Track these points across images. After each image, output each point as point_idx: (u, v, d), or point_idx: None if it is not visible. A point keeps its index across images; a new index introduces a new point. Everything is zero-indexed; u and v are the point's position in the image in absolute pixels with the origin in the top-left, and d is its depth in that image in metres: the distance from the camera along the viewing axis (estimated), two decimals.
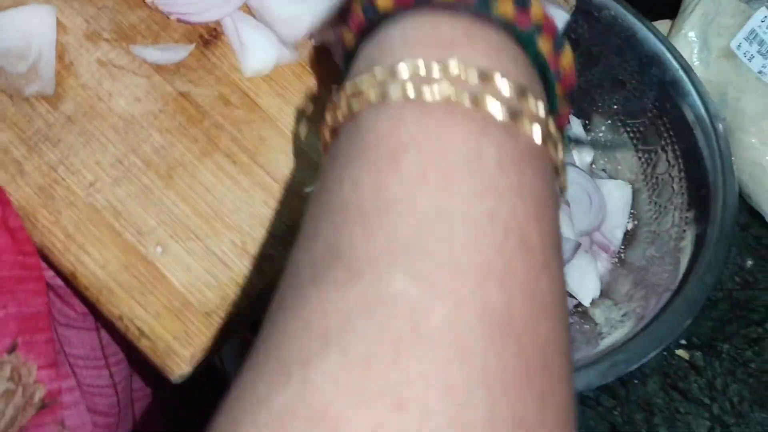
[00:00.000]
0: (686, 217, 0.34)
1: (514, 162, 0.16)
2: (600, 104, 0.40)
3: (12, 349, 0.27)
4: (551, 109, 0.19)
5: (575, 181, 0.37)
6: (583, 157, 0.39)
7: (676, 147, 0.36)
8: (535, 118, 0.17)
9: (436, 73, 0.17)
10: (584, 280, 0.38)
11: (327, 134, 0.19)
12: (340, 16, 0.27)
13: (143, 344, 0.21)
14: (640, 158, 0.38)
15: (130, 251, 0.21)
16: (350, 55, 0.20)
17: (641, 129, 0.39)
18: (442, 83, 0.16)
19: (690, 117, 0.36)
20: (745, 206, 0.45)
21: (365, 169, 0.16)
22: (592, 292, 0.38)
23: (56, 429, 0.28)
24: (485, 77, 0.17)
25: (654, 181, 0.39)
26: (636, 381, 0.39)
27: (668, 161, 0.37)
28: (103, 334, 0.33)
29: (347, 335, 0.14)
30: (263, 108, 0.24)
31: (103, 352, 0.32)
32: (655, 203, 0.38)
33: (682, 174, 0.36)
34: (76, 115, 0.21)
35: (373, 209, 0.16)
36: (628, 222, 0.38)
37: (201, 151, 0.23)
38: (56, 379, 0.28)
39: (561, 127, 0.20)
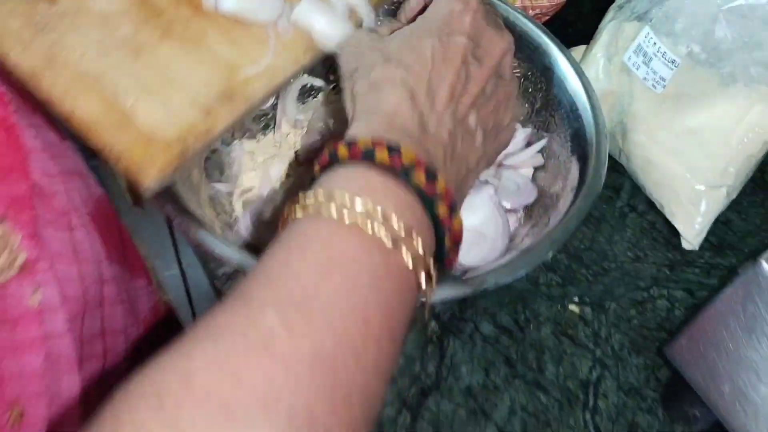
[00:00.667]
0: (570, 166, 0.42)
1: (384, 274, 0.25)
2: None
3: (2, 220, 0.34)
4: (440, 254, 0.28)
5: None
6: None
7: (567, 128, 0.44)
8: (412, 250, 0.26)
9: (357, 206, 0.25)
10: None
11: (281, 224, 0.27)
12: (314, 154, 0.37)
13: (120, 166, 0.29)
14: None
15: (110, 102, 0.29)
16: (313, 179, 0.28)
17: (542, 113, 0.47)
18: (356, 213, 0.25)
19: (582, 108, 0.44)
20: (642, 196, 0.52)
21: (284, 250, 0.25)
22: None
23: (31, 290, 0.35)
24: (386, 216, 0.25)
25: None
26: (531, 327, 0.45)
27: (560, 137, 0.45)
28: (76, 234, 0.40)
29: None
30: (206, 10, 0.33)
31: (74, 249, 0.39)
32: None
33: (569, 143, 0.44)
34: (67, 11, 0.30)
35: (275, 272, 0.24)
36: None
37: (160, 36, 0.31)
38: (35, 248, 0.35)
39: (449, 266, 0.29)
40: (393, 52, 0.32)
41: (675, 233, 0.50)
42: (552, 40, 0.46)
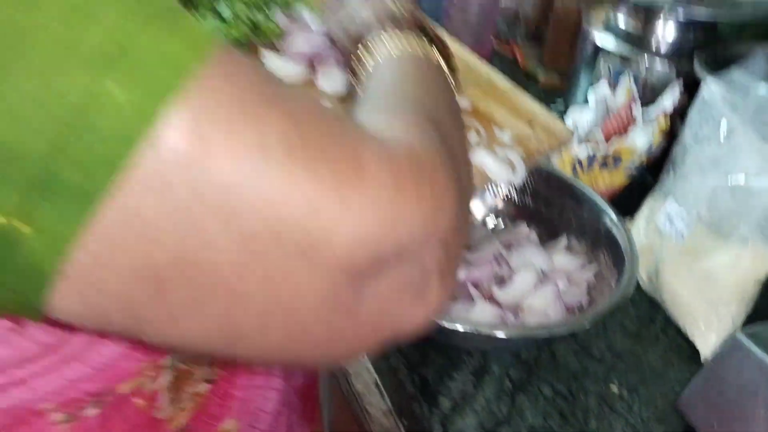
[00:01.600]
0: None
1: (434, 68, 0.46)
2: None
3: None
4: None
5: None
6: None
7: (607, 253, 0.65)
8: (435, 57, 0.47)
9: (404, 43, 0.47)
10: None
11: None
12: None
13: None
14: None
15: None
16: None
17: (601, 254, 0.68)
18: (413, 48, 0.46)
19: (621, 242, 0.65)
20: (671, 321, 0.70)
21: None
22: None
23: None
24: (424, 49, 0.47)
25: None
26: (580, 395, 0.62)
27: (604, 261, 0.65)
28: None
29: None
30: None
31: None
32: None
33: (614, 268, 0.64)
34: None
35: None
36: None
37: None
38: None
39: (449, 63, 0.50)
40: None
41: (695, 349, 0.67)
42: (613, 211, 0.69)
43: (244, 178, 0.26)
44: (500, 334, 0.55)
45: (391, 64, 0.46)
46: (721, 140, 0.66)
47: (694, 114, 0.71)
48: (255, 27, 0.59)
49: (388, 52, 0.46)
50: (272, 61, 0.56)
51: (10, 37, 0.24)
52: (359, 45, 0.49)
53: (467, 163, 0.41)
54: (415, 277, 0.31)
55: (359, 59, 0.48)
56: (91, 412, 0.40)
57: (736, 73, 0.70)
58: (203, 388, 0.44)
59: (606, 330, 0.68)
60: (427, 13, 0.58)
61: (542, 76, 1.12)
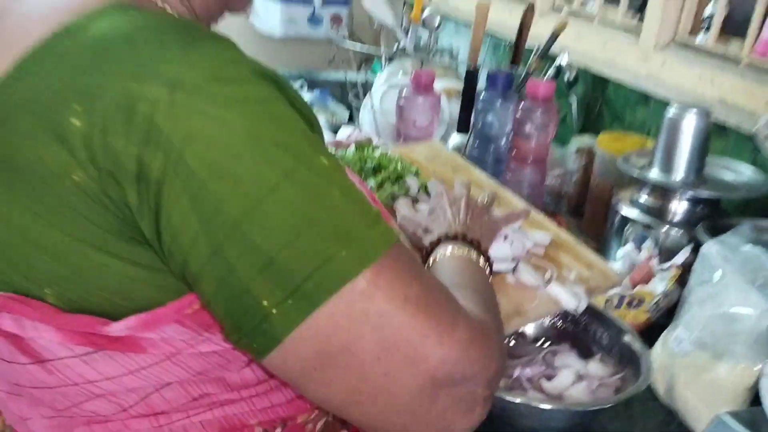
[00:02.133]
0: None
1: (480, 269, 0.72)
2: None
3: None
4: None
5: None
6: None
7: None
8: (481, 260, 0.73)
9: (464, 251, 0.73)
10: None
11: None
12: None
13: None
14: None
15: None
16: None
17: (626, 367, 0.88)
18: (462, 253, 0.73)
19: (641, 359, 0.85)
20: (684, 426, 0.87)
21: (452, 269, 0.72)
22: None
23: None
24: (473, 251, 0.73)
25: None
26: None
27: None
28: None
29: None
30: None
31: None
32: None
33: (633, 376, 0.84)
34: None
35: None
36: None
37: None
38: None
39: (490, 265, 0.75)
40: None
41: None
42: (635, 336, 0.90)
43: (393, 312, 0.48)
44: (547, 407, 0.75)
45: (450, 261, 0.72)
46: (715, 282, 0.89)
47: (697, 265, 0.93)
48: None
49: (444, 253, 0.73)
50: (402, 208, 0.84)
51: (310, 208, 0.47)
52: (426, 243, 0.76)
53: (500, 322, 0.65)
54: (470, 398, 0.53)
55: (425, 252, 0.76)
56: (278, 431, 0.62)
57: (729, 237, 0.94)
58: None
59: None
60: None
61: (580, 237, 1.37)
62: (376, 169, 0.93)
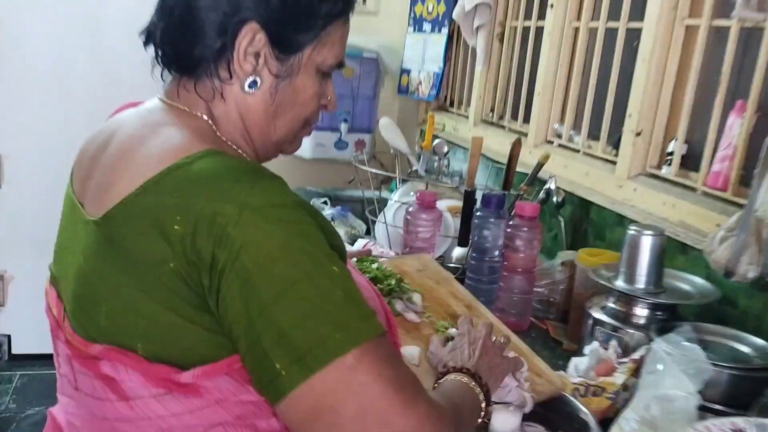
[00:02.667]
0: None
1: (476, 401, 0.91)
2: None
3: None
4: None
5: None
6: None
7: None
8: (480, 396, 0.92)
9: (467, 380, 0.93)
10: None
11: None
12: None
13: None
14: None
15: None
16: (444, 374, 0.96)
17: None
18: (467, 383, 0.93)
19: None
20: None
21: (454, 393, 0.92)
22: None
23: None
24: (476, 384, 0.93)
25: None
26: None
27: None
28: None
29: None
30: None
31: None
32: None
33: None
34: None
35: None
36: None
37: None
38: None
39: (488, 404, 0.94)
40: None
41: None
42: (595, 419, 1.07)
43: (370, 384, 0.68)
44: None
45: (453, 384, 0.92)
46: (659, 372, 1.07)
47: (647, 358, 1.12)
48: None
49: (450, 379, 0.93)
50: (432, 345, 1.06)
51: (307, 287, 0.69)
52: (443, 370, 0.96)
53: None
54: None
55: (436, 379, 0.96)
56: None
57: (673, 336, 1.13)
58: None
59: None
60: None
61: (566, 343, 1.55)
62: (374, 280, 1.15)
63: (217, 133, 0.83)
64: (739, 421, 0.94)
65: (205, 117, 0.83)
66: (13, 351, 3.20)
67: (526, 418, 1.13)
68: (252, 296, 0.67)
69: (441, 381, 0.93)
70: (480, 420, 0.90)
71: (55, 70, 2.97)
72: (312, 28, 0.84)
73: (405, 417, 0.68)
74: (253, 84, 0.83)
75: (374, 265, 1.18)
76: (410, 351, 1.05)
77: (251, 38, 0.81)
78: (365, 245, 1.70)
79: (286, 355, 0.67)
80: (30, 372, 3.10)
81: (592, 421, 1.07)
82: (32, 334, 3.18)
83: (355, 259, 1.24)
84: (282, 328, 0.67)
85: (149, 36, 0.87)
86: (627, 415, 1.08)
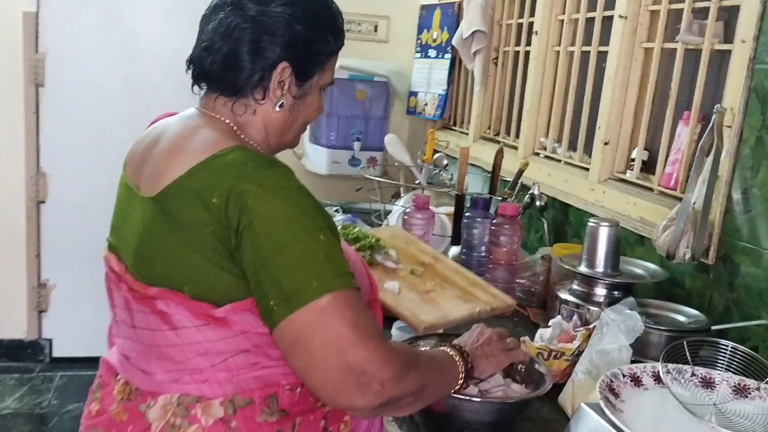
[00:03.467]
0: None
1: (455, 372, 1.13)
2: None
3: None
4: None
5: None
6: None
7: None
8: (461, 366, 1.14)
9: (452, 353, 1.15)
10: None
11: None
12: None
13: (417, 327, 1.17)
14: None
15: (415, 314, 1.20)
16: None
17: None
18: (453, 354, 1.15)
19: None
20: None
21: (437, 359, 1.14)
22: None
23: None
24: (460, 357, 1.15)
25: None
26: None
27: None
28: None
29: None
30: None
31: None
32: None
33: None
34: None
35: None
36: None
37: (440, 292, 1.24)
38: None
39: (467, 378, 1.15)
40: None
41: None
42: (545, 368, 1.30)
43: (335, 322, 0.91)
44: (476, 399, 1.15)
45: (437, 350, 1.15)
46: (603, 333, 1.30)
47: (597, 325, 1.35)
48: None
49: (442, 348, 1.15)
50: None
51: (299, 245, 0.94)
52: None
53: (415, 384, 0.98)
54: (366, 386, 0.90)
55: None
56: (298, 390, 1.05)
57: (618, 306, 1.36)
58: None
59: None
60: None
61: (543, 326, 1.77)
62: (355, 239, 1.46)
63: (241, 135, 1.09)
64: (657, 365, 1.16)
65: (230, 123, 1.09)
66: (55, 354, 3.49)
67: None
68: (257, 252, 0.93)
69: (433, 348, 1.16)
70: (457, 387, 1.12)
71: (95, 96, 3.29)
72: (320, 62, 1.11)
73: (356, 348, 0.90)
74: (281, 105, 1.10)
75: (355, 229, 1.49)
76: (392, 285, 1.38)
77: (282, 73, 1.07)
78: None
79: (277, 295, 0.91)
80: (69, 373, 3.38)
81: (546, 373, 1.29)
82: (72, 339, 3.47)
83: (340, 227, 1.54)
84: (276, 275, 0.92)
85: (192, 63, 1.12)
86: (576, 369, 1.30)
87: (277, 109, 1.10)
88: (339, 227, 1.51)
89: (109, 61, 3.27)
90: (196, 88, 1.13)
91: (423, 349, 1.16)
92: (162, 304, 0.99)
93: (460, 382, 1.12)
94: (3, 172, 3.25)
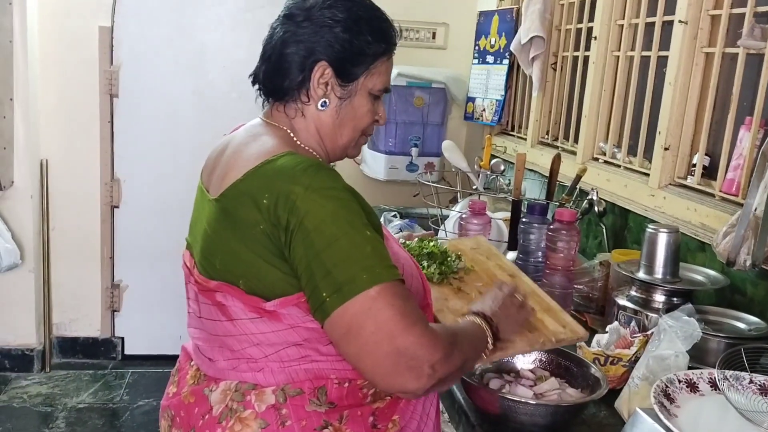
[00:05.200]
0: None
1: (482, 337, 1.17)
2: None
3: None
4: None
5: None
6: None
7: None
8: (488, 333, 1.18)
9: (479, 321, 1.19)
10: None
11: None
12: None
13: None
14: None
15: None
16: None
17: None
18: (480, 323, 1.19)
19: None
20: None
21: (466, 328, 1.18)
22: None
23: None
24: (486, 323, 1.18)
25: None
26: None
27: None
28: None
29: None
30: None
31: None
32: None
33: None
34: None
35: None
36: None
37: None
38: None
39: (495, 344, 1.19)
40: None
41: None
42: (601, 373, 1.31)
43: (384, 310, 0.97)
44: (532, 401, 1.18)
45: (465, 322, 1.18)
46: (661, 338, 1.30)
47: (654, 331, 1.35)
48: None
49: (467, 318, 1.19)
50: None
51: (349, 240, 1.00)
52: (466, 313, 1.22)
53: (459, 360, 1.03)
54: (418, 369, 0.95)
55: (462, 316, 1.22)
56: (345, 384, 1.10)
57: (676, 313, 1.36)
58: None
59: None
60: None
61: (600, 330, 1.78)
62: (430, 255, 1.44)
63: (297, 141, 1.16)
64: (714, 371, 1.16)
65: (287, 130, 1.16)
66: (126, 352, 3.66)
67: (553, 373, 1.39)
68: (310, 247, 0.99)
69: (460, 320, 1.20)
70: (487, 350, 1.16)
71: (165, 106, 3.44)
72: (363, 63, 1.15)
73: (406, 334, 0.96)
74: (324, 104, 1.15)
75: (431, 243, 1.47)
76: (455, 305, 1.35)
77: (322, 72, 1.13)
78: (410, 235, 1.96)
79: (330, 286, 0.97)
80: (140, 370, 3.53)
81: (602, 378, 1.31)
82: (143, 338, 3.63)
83: (416, 239, 1.53)
84: (328, 268, 0.97)
85: (256, 77, 1.20)
86: (633, 374, 1.31)
87: (320, 107, 1.16)
88: (410, 236, 1.55)
89: (178, 73, 3.42)
90: (260, 101, 1.21)
91: (454, 323, 1.19)
92: (221, 296, 1.07)
93: (490, 347, 1.16)
94: (80, 178, 3.44)
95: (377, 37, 1.16)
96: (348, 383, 1.09)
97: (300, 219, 0.99)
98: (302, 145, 1.16)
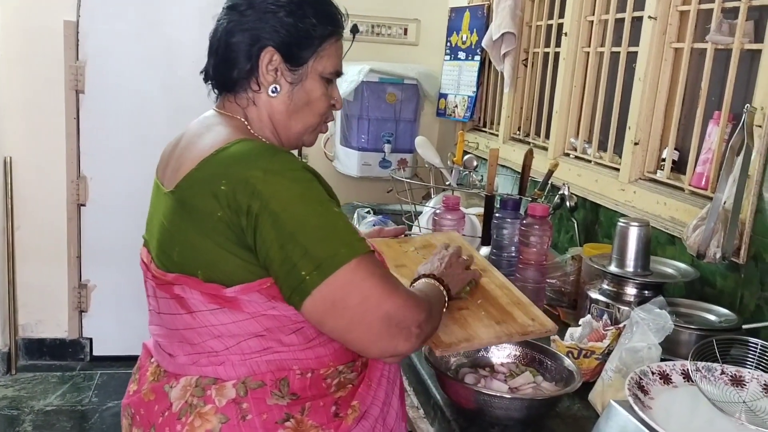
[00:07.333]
0: None
1: (441, 294, 1.21)
2: None
3: None
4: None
5: None
6: None
7: None
8: (443, 289, 1.22)
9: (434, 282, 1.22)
10: None
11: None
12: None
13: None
14: None
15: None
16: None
17: None
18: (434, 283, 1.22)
19: None
20: None
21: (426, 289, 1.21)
22: None
23: None
24: (439, 283, 1.22)
25: None
26: None
27: None
28: None
29: None
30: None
31: None
32: None
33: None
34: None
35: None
36: None
37: (481, 312, 1.27)
38: None
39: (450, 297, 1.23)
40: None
41: None
42: (574, 366, 1.32)
43: (366, 280, 0.99)
44: (507, 395, 1.18)
45: (423, 284, 1.20)
46: (632, 332, 1.31)
47: (626, 324, 1.36)
48: None
49: (421, 281, 1.22)
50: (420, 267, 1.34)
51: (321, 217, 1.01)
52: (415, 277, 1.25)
53: (437, 320, 1.13)
54: (407, 331, 1.02)
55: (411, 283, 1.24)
56: (308, 375, 1.09)
57: (648, 306, 1.37)
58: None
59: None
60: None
61: (572, 324, 1.79)
62: None
63: (250, 130, 1.15)
64: (687, 363, 1.17)
65: (241, 119, 1.16)
66: (95, 353, 3.59)
67: (527, 366, 1.39)
68: (281, 228, 0.98)
69: (414, 284, 1.23)
70: (444, 309, 1.20)
71: (133, 102, 3.38)
72: (311, 47, 1.14)
73: (392, 298, 0.99)
74: (275, 90, 1.14)
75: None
76: None
77: (270, 58, 1.12)
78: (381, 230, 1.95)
79: (309, 264, 0.97)
80: (109, 371, 3.48)
81: (576, 371, 1.31)
82: (112, 338, 3.57)
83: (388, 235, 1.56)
84: (305, 246, 0.98)
85: (207, 73, 1.21)
86: (606, 367, 1.32)
87: (271, 93, 1.15)
88: (381, 231, 1.58)
89: (147, 68, 3.36)
90: (212, 94, 1.22)
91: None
92: (179, 289, 1.06)
93: (445, 307, 1.21)
94: (45, 176, 3.36)
95: (322, 20, 1.15)
96: (311, 373, 1.09)
97: (264, 203, 0.98)
98: (256, 135, 1.15)
